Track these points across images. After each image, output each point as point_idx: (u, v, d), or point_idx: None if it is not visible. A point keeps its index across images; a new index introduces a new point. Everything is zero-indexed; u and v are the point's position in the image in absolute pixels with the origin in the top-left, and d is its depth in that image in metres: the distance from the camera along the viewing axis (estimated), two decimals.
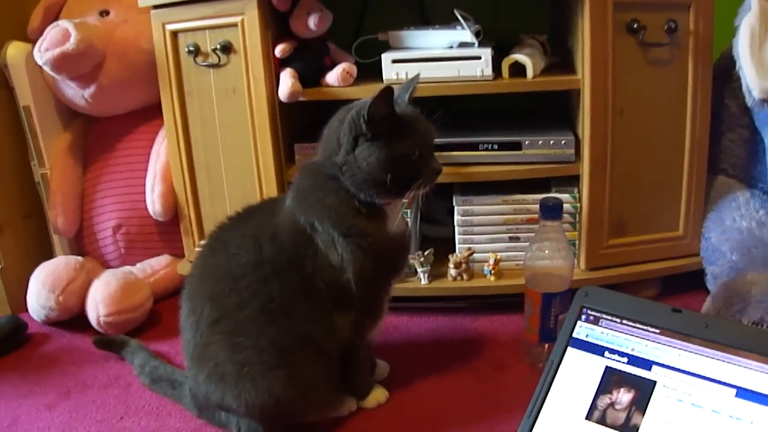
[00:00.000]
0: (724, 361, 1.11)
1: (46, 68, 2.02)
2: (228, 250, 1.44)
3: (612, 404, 1.14)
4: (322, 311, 1.44)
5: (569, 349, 1.22)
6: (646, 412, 1.11)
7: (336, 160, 1.40)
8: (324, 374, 1.46)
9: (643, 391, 1.13)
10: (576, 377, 1.19)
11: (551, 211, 1.60)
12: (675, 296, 1.93)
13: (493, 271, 1.90)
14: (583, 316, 1.24)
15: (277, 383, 1.36)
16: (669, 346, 1.16)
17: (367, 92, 1.79)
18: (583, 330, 1.23)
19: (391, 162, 1.36)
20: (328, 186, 1.42)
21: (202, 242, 1.56)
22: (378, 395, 1.58)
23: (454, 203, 1.93)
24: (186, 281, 1.50)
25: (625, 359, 1.17)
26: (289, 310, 1.39)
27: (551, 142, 1.84)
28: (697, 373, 1.12)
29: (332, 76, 1.89)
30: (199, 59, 1.91)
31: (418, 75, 1.59)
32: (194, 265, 1.51)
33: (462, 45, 1.87)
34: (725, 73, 1.91)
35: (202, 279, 1.46)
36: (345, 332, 1.48)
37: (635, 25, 1.72)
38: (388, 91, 1.32)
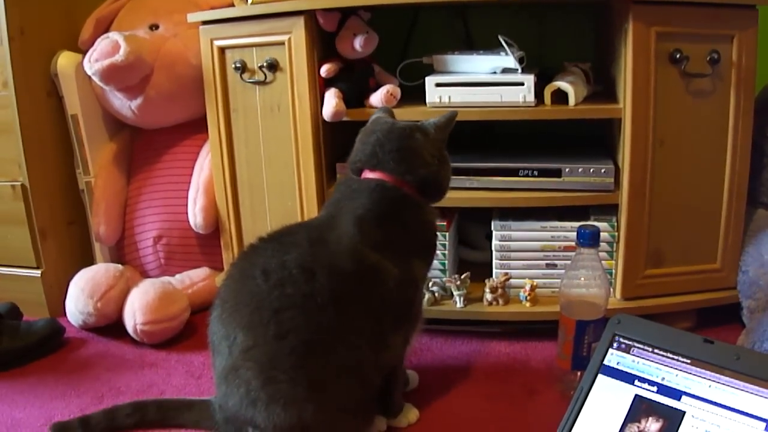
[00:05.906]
0: (754, 393, 1.11)
1: (95, 79, 2.06)
2: (268, 279, 1.37)
3: None
4: (378, 334, 1.43)
5: (600, 376, 1.23)
6: None
7: None
8: (357, 402, 1.42)
9: (672, 421, 1.14)
10: (605, 405, 1.20)
11: (588, 238, 1.59)
12: (710, 329, 1.91)
13: (528, 297, 1.91)
14: (615, 344, 1.25)
15: (308, 412, 1.32)
16: (699, 376, 1.16)
17: (409, 114, 1.81)
18: (614, 357, 1.23)
19: None
20: None
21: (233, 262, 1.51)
22: (409, 415, 1.58)
23: (492, 228, 1.93)
24: (216, 303, 1.45)
25: (655, 388, 1.18)
26: (337, 340, 1.36)
27: (591, 170, 1.84)
28: (727, 405, 1.11)
29: (376, 98, 1.91)
30: (246, 76, 1.93)
31: None
32: (225, 288, 1.46)
33: (505, 71, 1.88)
34: (767, 106, 1.90)
35: (236, 307, 1.40)
36: (397, 350, 1.49)
37: (678, 56, 1.72)
38: None
